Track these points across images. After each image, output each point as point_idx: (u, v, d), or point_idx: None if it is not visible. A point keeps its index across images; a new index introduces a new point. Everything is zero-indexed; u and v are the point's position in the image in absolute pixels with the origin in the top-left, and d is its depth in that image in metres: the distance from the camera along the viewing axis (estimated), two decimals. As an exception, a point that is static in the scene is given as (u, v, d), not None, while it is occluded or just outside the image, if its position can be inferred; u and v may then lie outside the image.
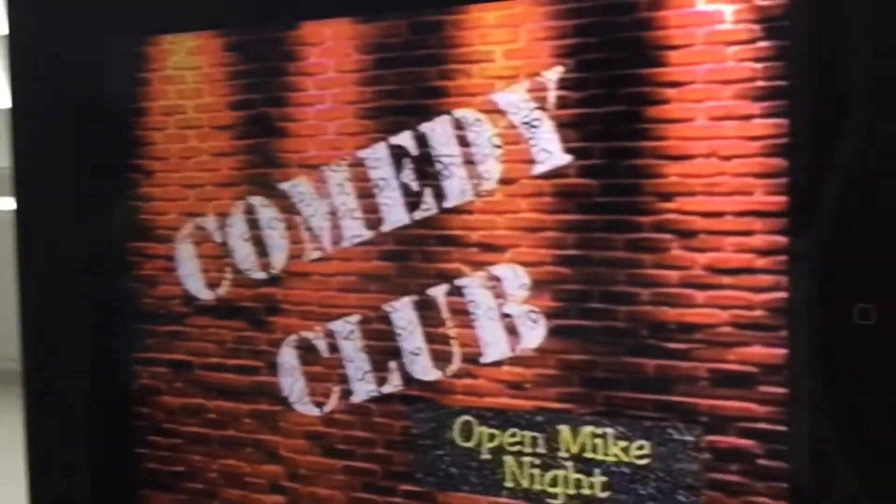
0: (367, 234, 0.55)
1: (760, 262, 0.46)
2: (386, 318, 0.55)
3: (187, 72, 0.59)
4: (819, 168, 0.45)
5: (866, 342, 0.44)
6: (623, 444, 0.49)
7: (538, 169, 0.50)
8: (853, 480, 0.45)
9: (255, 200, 0.58)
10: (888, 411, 0.44)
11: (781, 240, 0.45)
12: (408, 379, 0.54)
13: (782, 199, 0.45)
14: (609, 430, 0.50)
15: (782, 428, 0.46)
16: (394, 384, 0.55)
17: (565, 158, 0.50)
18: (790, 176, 0.45)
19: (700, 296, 0.47)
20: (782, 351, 0.46)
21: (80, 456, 0.63)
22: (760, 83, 0.45)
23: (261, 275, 0.58)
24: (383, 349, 0.55)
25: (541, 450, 0.51)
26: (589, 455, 0.50)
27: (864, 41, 0.44)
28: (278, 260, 0.58)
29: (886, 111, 0.44)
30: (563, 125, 0.50)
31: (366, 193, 0.55)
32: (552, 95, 0.50)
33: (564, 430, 0.51)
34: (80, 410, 0.63)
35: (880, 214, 0.44)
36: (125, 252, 0.62)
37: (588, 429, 0.50)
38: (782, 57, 0.45)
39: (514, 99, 0.50)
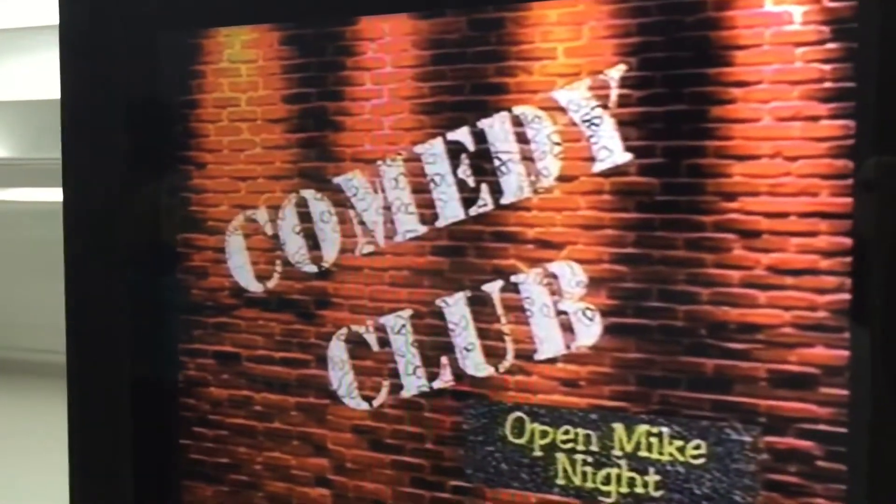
0: (422, 229, 0.55)
1: (825, 263, 0.46)
2: (438, 314, 0.55)
3: (242, 65, 0.59)
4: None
5: (933, 345, 0.44)
6: (679, 443, 0.49)
7: (598, 167, 0.50)
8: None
9: (308, 194, 0.58)
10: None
11: (846, 241, 0.45)
12: (459, 374, 0.54)
13: (848, 200, 0.45)
14: (664, 430, 0.50)
15: (842, 430, 0.46)
16: (445, 379, 0.55)
17: (626, 157, 0.50)
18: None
19: (762, 296, 0.47)
20: (845, 353, 0.46)
21: (124, 446, 0.63)
22: (828, 84, 0.45)
23: (311, 268, 0.58)
24: (435, 344, 0.55)
25: (594, 448, 0.51)
26: (643, 454, 0.50)
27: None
28: (330, 253, 0.58)
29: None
30: (624, 123, 0.50)
31: (421, 188, 0.55)
32: (614, 93, 0.50)
33: (619, 428, 0.51)
34: (125, 400, 0.63)
35: (947, 217, 0.44)
36: (175, 243, 0.62)
37: (643, 427, 0.50)
38: (850, 59, 0.45)
39: (575, 96, 0.51)
